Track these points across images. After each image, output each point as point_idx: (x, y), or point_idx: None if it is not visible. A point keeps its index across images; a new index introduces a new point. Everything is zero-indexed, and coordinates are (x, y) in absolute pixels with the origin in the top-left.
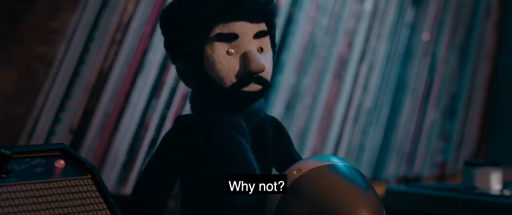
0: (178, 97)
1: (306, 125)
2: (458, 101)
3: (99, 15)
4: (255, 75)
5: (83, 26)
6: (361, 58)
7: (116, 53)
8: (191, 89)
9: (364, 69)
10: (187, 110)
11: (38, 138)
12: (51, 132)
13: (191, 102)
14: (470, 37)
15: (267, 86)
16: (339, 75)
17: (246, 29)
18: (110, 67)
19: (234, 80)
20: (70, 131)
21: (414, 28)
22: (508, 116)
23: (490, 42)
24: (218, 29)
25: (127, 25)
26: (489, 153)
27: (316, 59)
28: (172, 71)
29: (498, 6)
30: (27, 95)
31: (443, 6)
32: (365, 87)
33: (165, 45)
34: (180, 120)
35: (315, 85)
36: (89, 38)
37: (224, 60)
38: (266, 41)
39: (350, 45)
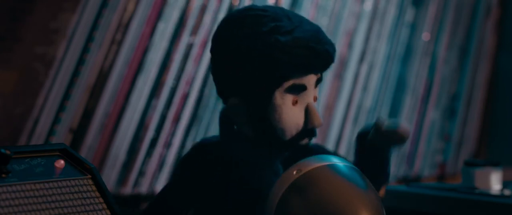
0: (178, 97)
1: None
2: (458, 101)
3: (99, 15)
4: (312, 130)
5: (83, 26)
6: (361, 58)
7: (116, 53)
8: (223, 109)
9: (364, 69)
10: (187, 109)
11: (38, 138)
12: (51, 132)
13: (222, 126)
14: (470, 37)
15: (313, 138)
16: (339, 75)
17: (312, 80)
18: (110, 67)
19: (293, 133)
20: (70, 131)
21: (414, 28)
22: (508, 116)
23: (490, 42)
24: (293, 81)
25: (127, 25)
26: (489, 153)
27: None
28: (172, 71)
29: (498, 6)
30: (27, 95)
31: (443, 6)
32: (365, 87)
33: (220, 75)
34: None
35: None
36: (89, 38)
37: (291, 112)
38: (317, 89)
39: (350, 45)
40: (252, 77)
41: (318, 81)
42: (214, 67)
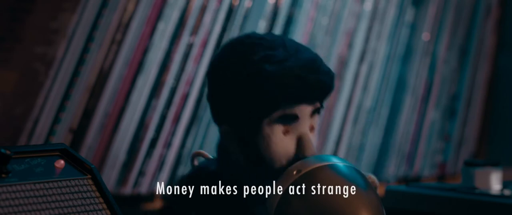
0: (178, 97)
1: None
2: (458, 101)
3: (99, 15)
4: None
5: (83, 26)
6: (361, 58)
7: (116, 53)
8: (219, 136)
9: (364, 69)
10: (187, 109)
11: (38, 138)
12: (51, 132)
13: (219, 153)
14: (470, 37)
15: None
16: (339, 75)
17: (306, 110)
18: (110, 67)
19: (284, 163)
20: (70, 131)
21: (414, 28)
22: (508, 116)
23: (490, 42)
24: (283, 111)
25: (127, 25)
26: (489, 153)
27: None
28: (172, 71)
29: (498, 6)
30: (27, 95)
31: (443, 6)
32: (365, 87)
33: (213, 103)
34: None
35: None
36: (89, 38)
37: (280, 142)
38: (316, 118)
39: (350, 45)
40: (240, 106)
41: (316, 110)
42: (208, 92)
